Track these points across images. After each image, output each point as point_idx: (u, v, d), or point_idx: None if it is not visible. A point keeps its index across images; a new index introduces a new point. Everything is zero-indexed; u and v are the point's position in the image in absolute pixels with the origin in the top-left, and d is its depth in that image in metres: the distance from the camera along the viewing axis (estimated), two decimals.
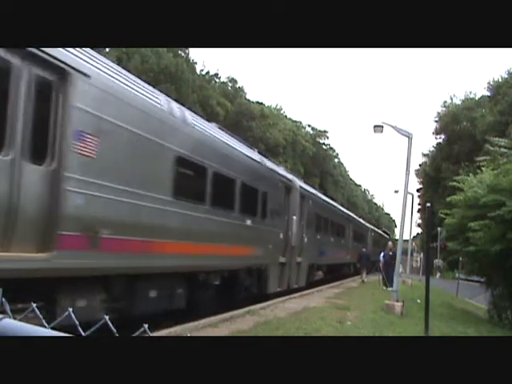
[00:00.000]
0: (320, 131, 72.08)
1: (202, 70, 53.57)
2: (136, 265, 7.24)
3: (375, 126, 15.49)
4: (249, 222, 11.57)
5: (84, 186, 6.08)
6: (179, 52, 46.91)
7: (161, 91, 9.02)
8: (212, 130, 10.19)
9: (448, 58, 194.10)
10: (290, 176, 15.85)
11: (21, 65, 5.40)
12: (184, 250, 8.49)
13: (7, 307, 1.20)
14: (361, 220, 37.09)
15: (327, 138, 73.05)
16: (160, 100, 8.13)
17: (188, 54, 49.86)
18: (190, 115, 9.28)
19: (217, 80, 56.24)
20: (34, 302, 1.53)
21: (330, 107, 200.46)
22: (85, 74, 6.12)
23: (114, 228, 6.61)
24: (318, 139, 70.53)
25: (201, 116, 10.89)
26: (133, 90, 7.24)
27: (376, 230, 46.42)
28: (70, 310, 1.32)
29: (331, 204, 24.37)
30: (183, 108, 9.21)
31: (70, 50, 5.97)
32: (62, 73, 5.82)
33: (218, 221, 9.83)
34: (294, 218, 15.22)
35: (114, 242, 6.61)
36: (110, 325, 1.19)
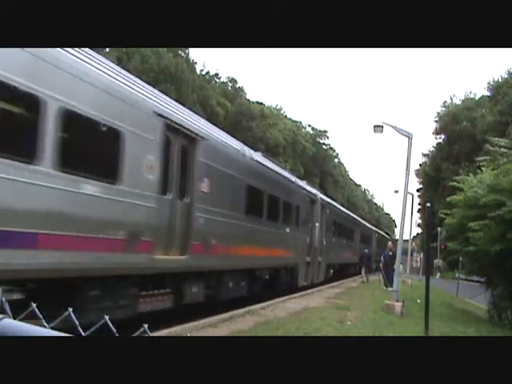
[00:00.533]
0: (320, 131, 72.09)
1: (202, 70, 53.60)
2: (224, 264, 10.37)
3: (375, 126, 15.49)
4: (287, 230, 15.05)
5: (202, 211, 9.14)
6: (179, 52, 46.91)
7: (161, 91, 9.21)
8: (263, 160, 13.84)
9: (448, 58, 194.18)
10: (313, 190, 20.07)
11: (174, 138, 8.36)
12: (248, 253, 11.66)
13: (7, 307, 1.20)
14: (366, 223, 41.15)
15: (327, 137, 73.13)
16: (237, 145, 11.75)
17: (188, 54, 49.88)
18: (252, 152, 12.94)
19: (217, 80, 56.23)
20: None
21: (330, 107, 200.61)
22: (204, 138, 9.25)
23: (216, 238, 9.77)
24: (318, 139, 70.54)
25: (201, 116, 11.20)
26: (227, 143, 10.87)
27: (379, 232, 49.94)
28: (70, 309, 1.32)
29: (343, 211, 28.51)
30: (246, 147, 12.66)
31: (200, 121, 9.79)
32: (193, 139, 8.92)
33: (268, 230, 13.18)
34: (317, 225, 18.74)
35: (216, 247, 9.74)
36: (110, 325, 1.19)
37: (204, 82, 50.18)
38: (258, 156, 13.37)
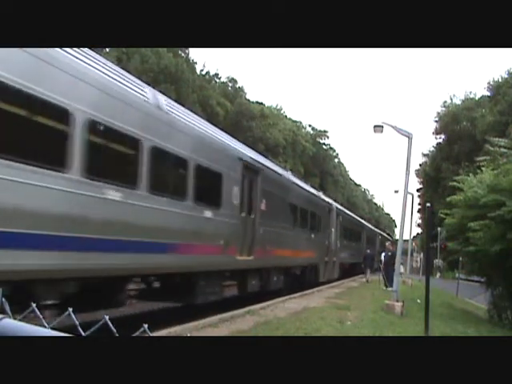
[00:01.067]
0: (320, 131, 72.08)
1: (202, 70, 53.58)
2: (273, 263, 13.92)
3: (375, 126, 15.48)
4: (312, 236, 18.82)
5: (262, 224, 12.46)
6: (179, 52, 46.90)
7: (161, 91, 9.33)
8: (297, 180, 17.78)
9: (448, 58, 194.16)
10: (330, 201, 23.86)
11: (246, 173, 11.65)
12: (287, 254, 15.13)
13: (7, 307, 1.20)
14: (371, 226, 45.04)
15: (327, 137, 73.12)
16: (282, 171, 15.97)
17: (188, 54, 49.87)
18: (290, 175, 17.43)
19: (217, 80, 56.23)
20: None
21: (330, 107, 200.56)
22: (262, 170, 12.73)
23: (270, 244, 13.16)
24: (318, 139, 70.54)
25: (201, 116, 11.36)
26: (276, 171, 14.66)
27: (382, 233, 53.54)
28: (70, 309, 1.32)
29: (352, 216, 32.46)
30: (286, 172, 17.27)
31: (259, 157, 13.65)
32: (256, 172, 12.30)
33: (300, 236, 16.82)
34: (333, 230, 22.75)
35: (270, 251, 13.18)
36: (110, 325, 1.19)
37: (204, 82, 50.16)
38: (291, 176, 17.44)
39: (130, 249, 7.01)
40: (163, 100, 8.34)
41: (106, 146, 6.83)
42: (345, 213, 27.84)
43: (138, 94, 7.37)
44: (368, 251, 29.46)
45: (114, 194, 6.61)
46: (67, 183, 5.77)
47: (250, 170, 12.12)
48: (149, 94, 7.80)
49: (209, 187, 9.92)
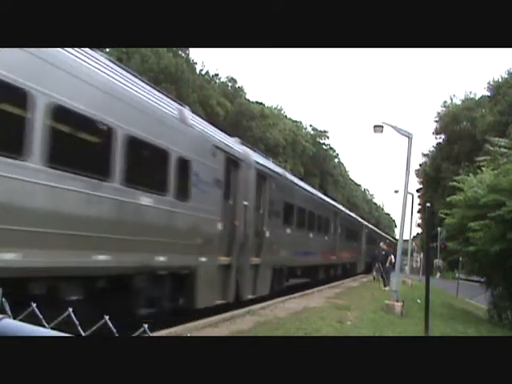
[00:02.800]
0: (320, 131, 72.06)
1: (202, 70, 53.56)
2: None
3: (375, 126, 15.48)
4: (355, 244, 28.71)
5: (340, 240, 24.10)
6: (179, 52, 46.89)
7: (161, 91, 9.27)
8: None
9: (448, 58, 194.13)
10: (360, 219, 34.24)
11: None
12: (346, 256, 25.84)
13: (7, 307, 1.20)
14: (375, 229, 49.69)
15: (327, 138, 73.09)
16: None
17: (188, 54, 49.85)
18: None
19: (217, 80, 56.21)
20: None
21: (330, 107, 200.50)
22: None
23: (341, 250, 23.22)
24: (318, 139, 70.51)
25: (201, 116, 11.33)
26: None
27: (385, 235, 57.29)
28: (70, 309, 1.32)
29: (372, 228, 42.32)
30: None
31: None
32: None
33: (351, 245, 27.17)
34: (363, 240, 32.87)
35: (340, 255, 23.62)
36: (110, 325, 1.19)
37: (204, 82, 50.15)
38: (349, 211, 25.91)
39: None
40: (187, 114, 9.08)
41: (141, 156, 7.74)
42: (371, 228, 38.64)
43: (167, 111, 8.15)
44: (377, 252, 30.05)
45: (145, 199, 7.42)
46: (112, 191, 6.60)
47: (335, 213, 21.35)
48: (176, 109, 8.59)
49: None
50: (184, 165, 8.45)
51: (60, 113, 5.72)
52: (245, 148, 12.08)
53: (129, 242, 6.93)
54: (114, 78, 6.83)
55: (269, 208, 12.91)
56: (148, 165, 7.96)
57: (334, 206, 25.29)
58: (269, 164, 13.97)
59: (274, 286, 13.60)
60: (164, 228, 7.97)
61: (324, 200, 23.02)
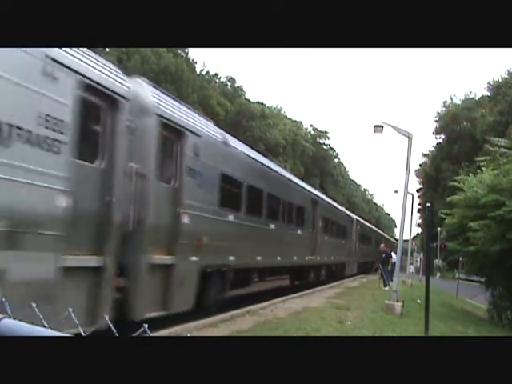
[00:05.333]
0: (320, 132, 72.07)
1: (202, 70, 53.57)
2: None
3: (375, 126, 15.48)
4: (343, 242, 25.92)
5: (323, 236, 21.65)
6: (179, 52, 46.89)
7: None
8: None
9: (448, 58, 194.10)
10: (350, 213, 30.83)
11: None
12: (329, 255, 21.89)
13: (7, 307, 1.20)
14: (378, 230, 50.96)
15: (327, 138, 73.11)
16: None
17: (188, 54, 49.86)
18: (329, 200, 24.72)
19: (217, 80, 56.21)
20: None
21: (331, 107, 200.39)
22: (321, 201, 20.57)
23: (323, 249, 20.56)
24: (318, 139, 70.53)
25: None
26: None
27: (387, 237, 59.19)
28: (71, 310, 1.32)
29: (366, 225, 39.28)
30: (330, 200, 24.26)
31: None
32: (316, 201, 20.05)
33: (336, 242, 23.96)
34: (353, 236, 29.37)
35: (323, 252, 20.27)
36: (110, 325, 1.19)
37: (204, 82, 50.15)
38: (333, 201, 25.40)
39: None
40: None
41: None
42: (361, 222, 35.60)
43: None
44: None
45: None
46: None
47: (314, 201, 18.79)
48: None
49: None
50: None
51: None
52: (145, 86, 7.90)
53: None
54: None
55: (190, 182, 8.54)
56: None
57: (312, 193, 19.92)
58: (192, 117, 9.17)
59: (207, 295, 9.38)
60: None
61: (297, 184, 17.67)
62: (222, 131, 10.81)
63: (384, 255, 22.06)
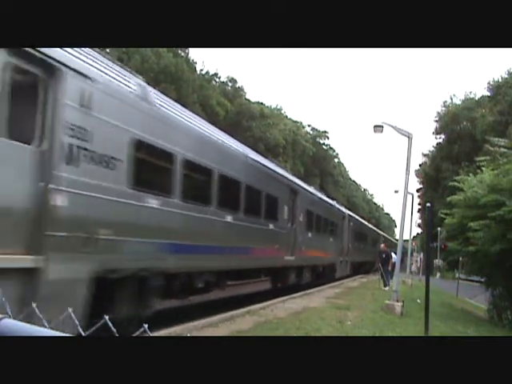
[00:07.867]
0: (320, 131, 72.07)
1: (202, 70, 53.54)
2: (305, 262, 17.64)
3: (375, 126, 15.49)
4: (331, 240, 22.86)
5: (300, 232, 17.46)
6: (179, 52, 46.88)
7: (162, 92, 9.35)
8: (323, 196, 22.76)
9: (448, 58, 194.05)
10: (343, 209, 28.06)
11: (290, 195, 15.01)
12: (314, 255, 18.78)
13: (7, 307, 1.20)
14: (376, 229, 49.08)
15: (327, 138, 73.10)
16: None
17: (188, 54, 49.83)
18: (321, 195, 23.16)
19: (217, 80, 56.19)
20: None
21: (330, 107, 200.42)
22: (300, 192, 17.54)
23: (304, 246, 17.10)
24: (318, 139, 70.53)
25: (201, 116, 11.35)
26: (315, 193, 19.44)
27: (385, 235, 57.41)
28: (70, 310, 1.32)
29: (361, 221, 36.73)
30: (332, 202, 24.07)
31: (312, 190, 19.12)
32: (296, 192, 16.83)
33: (323, 239, 20.98)
34: (345, 234, 26.36)
35: (304, 252, 16.92)
36: (110, 325, 1.19)
37: (204, 82, 50.12)
38: (319, 193, 22.35)
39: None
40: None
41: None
42: (355, 219, 32.86)
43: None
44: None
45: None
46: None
47: (293, 191, 15.97)
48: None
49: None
50: None
51: None
52: None
53: None
54: None
55: (72, 145, 5.75)
56: None
57: (290, 180, 16.46)
58: (84, 53, 6.17)
59: (112, 312, 6.30)
60: None
61: (268, 168, 14.14)
62: (142, 82, 7.70)
63: (384, 255, 22.12)
